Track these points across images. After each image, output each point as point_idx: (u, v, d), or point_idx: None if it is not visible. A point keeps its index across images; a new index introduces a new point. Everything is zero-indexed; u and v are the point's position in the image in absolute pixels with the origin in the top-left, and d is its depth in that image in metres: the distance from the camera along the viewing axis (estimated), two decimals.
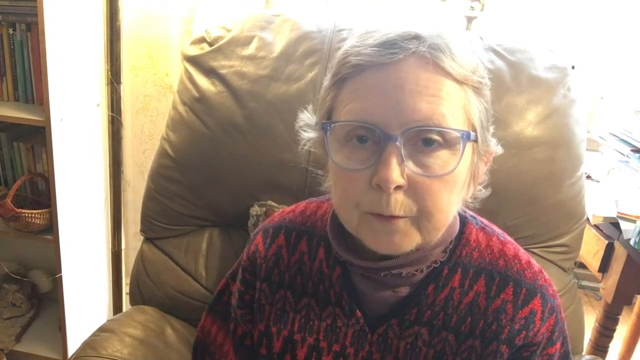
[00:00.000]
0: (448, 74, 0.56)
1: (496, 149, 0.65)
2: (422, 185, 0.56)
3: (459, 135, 0.56)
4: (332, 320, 0.70)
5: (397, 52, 0.55)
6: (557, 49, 1.10)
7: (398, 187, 0.56)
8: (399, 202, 0.57)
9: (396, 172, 0.55)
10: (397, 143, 0.55)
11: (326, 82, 0.62)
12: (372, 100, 0.56)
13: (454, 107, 0.56)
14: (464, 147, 0.56)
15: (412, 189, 0.56)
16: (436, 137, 0.56)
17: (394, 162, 0.55)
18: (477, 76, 0.59)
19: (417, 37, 0.56)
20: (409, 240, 0.60)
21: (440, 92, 0.55)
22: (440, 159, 0.56)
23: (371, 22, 0.60)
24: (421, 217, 0.58)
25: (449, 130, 0.56)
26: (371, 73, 0.56)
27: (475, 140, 0.60)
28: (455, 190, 0.59)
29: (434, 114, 0.55)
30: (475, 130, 0.59)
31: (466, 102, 0.58)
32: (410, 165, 0.56)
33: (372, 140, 0.57)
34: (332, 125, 0.59)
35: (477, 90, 0.59)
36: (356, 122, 0.57)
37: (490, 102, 0.63)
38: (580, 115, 1.06)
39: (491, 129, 0.64)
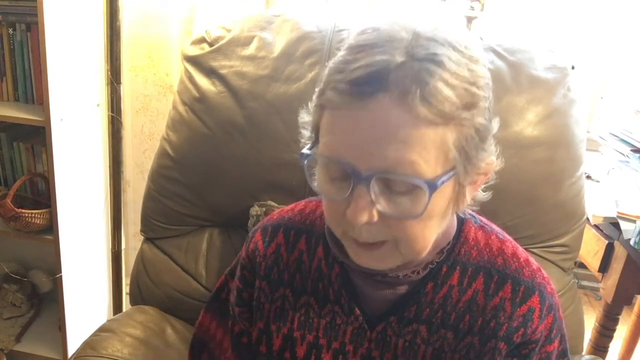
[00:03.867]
0: (423, 118, 0.52)
1: (488, 168, 0.61)
2: (395, 221, 0.56)
3: (423, 187, 0.53)
4: (331, 317, 0.71)
5: (371, 92, 0.52)
6: (557, 49, 1.10)
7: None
8: (372, 233, 0.57)
9: (365, 214, 0.55)
10: (367, 184, 0.54)
11: (315, 93, 0.60)
12: (343, 141, 0.55)
13: (427, 151, 0.53)
14: (430, 197, 0.54)
15: (385, 221, 0.56)
16: (403, 185, 0.54)
17: (363, 202, 0.55)
18: (465, 106, 0.54)
19: (400, 67, 0.52)
20: (390, 261, 0.61)
21: (411, 138, 0.52)
22: (410, 201, 0.55)
23: (364, 25, 0.57)
24: (399, 243, 0.59)
25: (413, 182, 0.53)
26: (344, 112, 0.54)
27: (455, 175, 0.57)
28: (431, 222, 0.58)
29: (401, 162, 0.53)
30: (454, 168, 0.56)
31: (445, 140, 0.54)
32: (380, 205, 0.55)
33: (347, 174, 0.56)
34: (309, 158, 0.59)
35: (462, 121, 0.54)
36: (330, 159, 0.56)
37: (489, 118, 0.58)
38: (580, 115, 1.06)
39: (489, 142, 0.59)
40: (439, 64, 0.52)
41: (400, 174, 0.53)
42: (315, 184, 0.60)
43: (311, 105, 0.60)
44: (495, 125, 0.60)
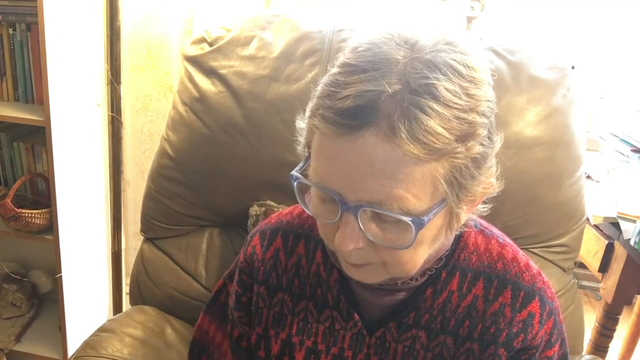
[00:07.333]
0: (412, 155, 0.49)
1: (486, 191, 0.58)
2: (383, 247, 0.56)
3: (409, 222, 0.52)
4: (330, 323, 0.71)
5: (358, 125, 0.50)
6: (557, 49, 1.10)
7: None
8: (360, 256, 0.57)
9: (351, 243, 0.55)
10: (355, 213, 0.53)
11: (308, 108, 0.57)
12: (330, 170, 0.54)
13: (415, 186, 0.51)
14: (417, 233, 0.53)
15: (373, 246, 0.56)
16: (389, 218, 0.53)
17: (349, 230, 0.54)
18: (460, 138, 0.51)
19: (391, 99, 0.49)
20: (379, 277, 0.61)
21: (398, 175, 0.50)
22: (398, 231, 0.54)
23: (359, 39, 0.55)
24: (387, 265, 0.58)
25: (399, 218, 0.52)
26: (332, 141, 0.52)
27: (446, 205, 0.55)
28: (421, 248, 0.57)
29: (388, 197, 0.51)
30: (444, 199, 0.54)
31: (435, 175, 0.51)
32: (369, 233, 0.54)
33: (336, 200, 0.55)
34: (298, 181, 0.58)
35: (455, 155, 0.51)
36: (318, 185, 0.56)
37: (489, 143, 0.55)
38: (580, 115, 1.06)
39: (488, 165, 0.56)
40: (434, 96, 0.49)
41: (386, 209, 0.52)
42: (305, 205, 0.60)
43: (305, 115, 0.58)
44: (497, 143, 0.57)
